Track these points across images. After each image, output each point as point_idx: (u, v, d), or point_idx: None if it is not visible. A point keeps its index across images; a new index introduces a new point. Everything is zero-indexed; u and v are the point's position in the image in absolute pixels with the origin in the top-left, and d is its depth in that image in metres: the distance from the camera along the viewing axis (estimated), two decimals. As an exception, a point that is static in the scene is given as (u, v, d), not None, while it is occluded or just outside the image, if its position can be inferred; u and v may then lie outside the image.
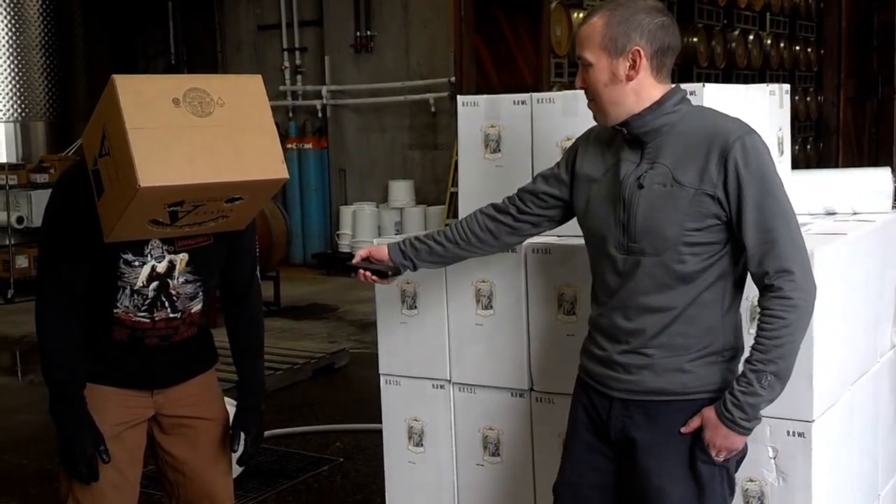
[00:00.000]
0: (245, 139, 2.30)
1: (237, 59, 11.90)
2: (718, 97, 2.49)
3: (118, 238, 2.37)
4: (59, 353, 2.48)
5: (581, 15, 8.91)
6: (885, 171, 3.08)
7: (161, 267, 2.49)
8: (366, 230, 10.63)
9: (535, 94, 2.66)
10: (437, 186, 10.47)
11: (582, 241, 2.30)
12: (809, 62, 13.09)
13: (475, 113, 2.74)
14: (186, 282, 2.53)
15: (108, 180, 2.30)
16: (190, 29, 12.19)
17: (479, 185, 2.76)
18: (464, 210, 2.77)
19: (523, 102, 2.68)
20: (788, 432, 2.32)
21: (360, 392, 5.87)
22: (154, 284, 2.49)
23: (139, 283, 2.48)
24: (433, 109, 10.49)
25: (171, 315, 2.53)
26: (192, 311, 2.57)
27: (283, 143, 11.29)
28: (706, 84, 2.46)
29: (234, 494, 2.78)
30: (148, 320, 2.52)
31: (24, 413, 5.88)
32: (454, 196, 9.78)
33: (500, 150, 2.71)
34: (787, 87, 2.83)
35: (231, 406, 2.75)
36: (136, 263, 2.47)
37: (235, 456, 2.69)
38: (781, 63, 12.43)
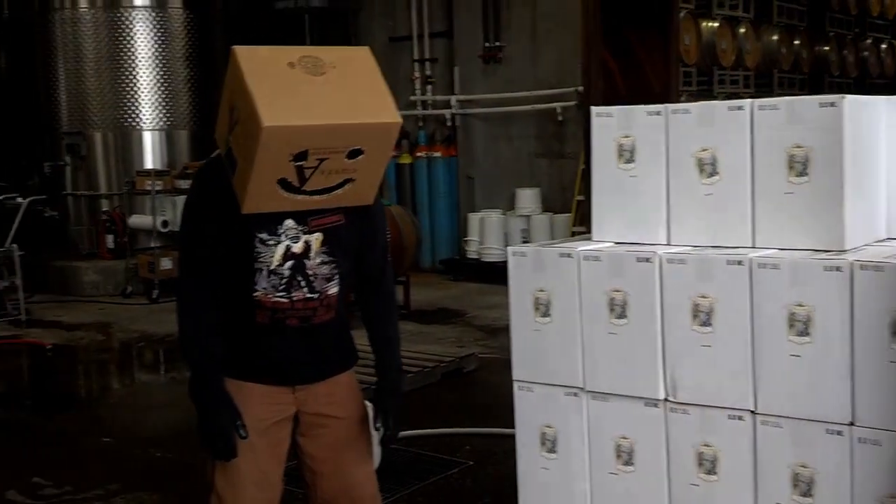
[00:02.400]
0: (358, 92, 2.46)
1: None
2: (858, 109, 2.48)
3: (253, 209, 2.47)
4: (198, 335, 2.61)
5: (710, 24, 8.80)
6: None
7: (297, 247, 2.58)
8: (493, 237, 10.72)
9: (670, 105, 2.67)
10: (564, 195, 10.49)
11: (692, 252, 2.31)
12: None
13: (608, 124, 2.77)
14: (322, 262, 2.61)
15: (238, 148, 2.44)
16: (325, 42, 12.51)
17: (612, 195, 2.78)
18: (597, 219, 2.80)
19: (658, 113, 2.69)
20: None
21: (489, 396, 5.94)
22: (289, 264, 2.58)
23: (275, 263, 2.57)
24: (560, 118, 10.51)
25: (309, 296, 2.61)
26: (329, 293, 2.64)
27: (412, 151, 11.56)
28: (847, 96, 2.44)
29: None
30: (286, 300, 2.60)
31: (168, 409, 6.15)
32: (580, 204, 9.78)
33: (633, 161, 2.73)
34: (930, 97, 2.78)
35: (369, 408, 2.83)
36: (271, 242, 2.56)
37: (376, 439, 2.78)
38: (917, 72, 12.00)
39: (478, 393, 6.28)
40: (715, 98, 8.41)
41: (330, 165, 2.44)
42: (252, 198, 2.45)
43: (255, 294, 2.59)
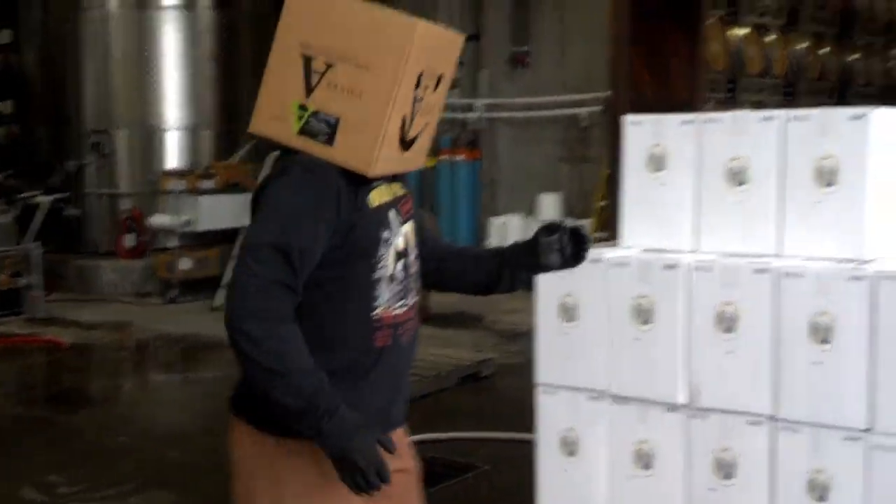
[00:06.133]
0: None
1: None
2: (886, 121, 2.51)
3: (380, 171, 2.01)
4: (306, 363, 1.93)
5: (738, 31, 8.82)
6: None
7: (401, 242, 2.12)
8: (513, 241, 10.71)
9: (702, 115, 2.71)
10: (586, 200, 10.51)
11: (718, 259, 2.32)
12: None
13: (641, 132, 2.81)
14: (415, 258, 2.18)
15: (339, 102, 1.98)
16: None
17: (641, 202, 2.82)
18: (626, 225, 2.84)
19: (690, 122, 2.73)
20: None
21: (506, 401, 5.96)
22: (401, 265, 2.11)
23: (391, 267, 2.08)
24: (584, 123, 10.54)
25: (413, 300, 2.16)
26: (417, 296, 2.20)
27: (436, 154, 11.58)
28: (875, 108, 2.47)
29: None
30: (403, 311, 2.12)
31: (184, 410, 6.21)
32: (603, 210, 9.80)
33: (664, 169, 2.77)
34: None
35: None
36: (391, 241, 2.08)
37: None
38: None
39: (494, 398, 6.29)
40: (741, 105, 8.42)
41: (427, 101, 2.06)
42: (382, 153, 1.97)
43: (375, 311, 2.07)
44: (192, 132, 11.25)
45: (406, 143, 2.06)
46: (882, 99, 10.60)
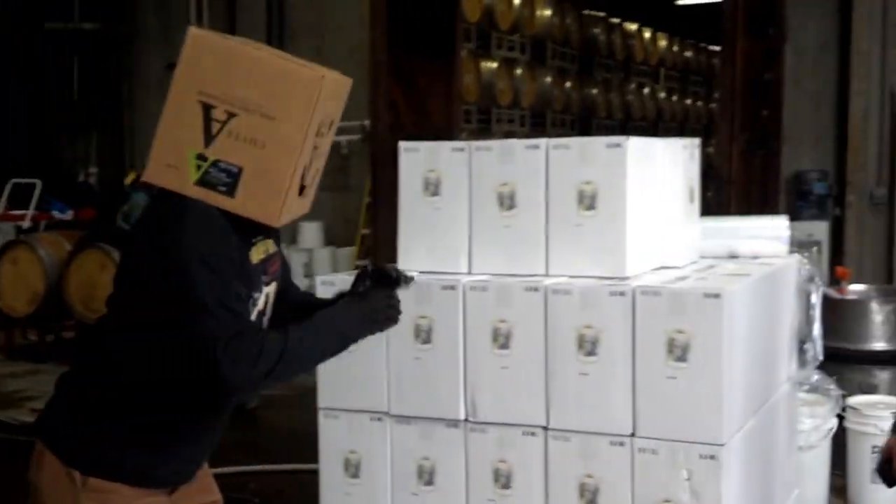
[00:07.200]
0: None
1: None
2: (639, 149, 2.74)
3: (285, 219, 2.03)
4: (303, 334, 2.02)
5: (489, 64, 9.21)
6: (783, 220, 3.38)
7: (262, 302, 2.13)
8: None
9: (474, 143, 2.85)
10: (347, 227, 10.61)
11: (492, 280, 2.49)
12: (699, 115, 13.72)
13: (416, 158, 2.91)
14: (269, 318, 2.18)
15: (241, 152, 1.95)
16: (98, 67, 12.11)
17: (418, 226, 2.92)
18: (403, 249, 2.93)
19: (462, 150, 2.86)
20: (700, 455, 2.52)
21: (272, 434, 5.93)
22: (258, 324, 2.12)
23: None
24: (345, 151, 10.65)
25: None
26: None
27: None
28: (630, 137, 2.69)
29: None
30: None
31: None
32: (364, 237, 9.93)
33: (438, 194, 2.89)
34: (697, 141, 3.10)
35: None
36: (257, 300, 2.09)
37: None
38: (673, 116, 13.02)
39: (259, 430, 6.22)
40: (494, 135, 8.79)
41: (321, 147, 2.08)
42: (288, 201, 1.97)
43: None
44: None
45: (302, 189, 2.06)
46: (622, 130, 11.37)
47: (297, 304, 2.36)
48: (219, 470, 5.03)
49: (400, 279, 2.31)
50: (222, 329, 1.89)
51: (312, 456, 3.06)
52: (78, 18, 11.71)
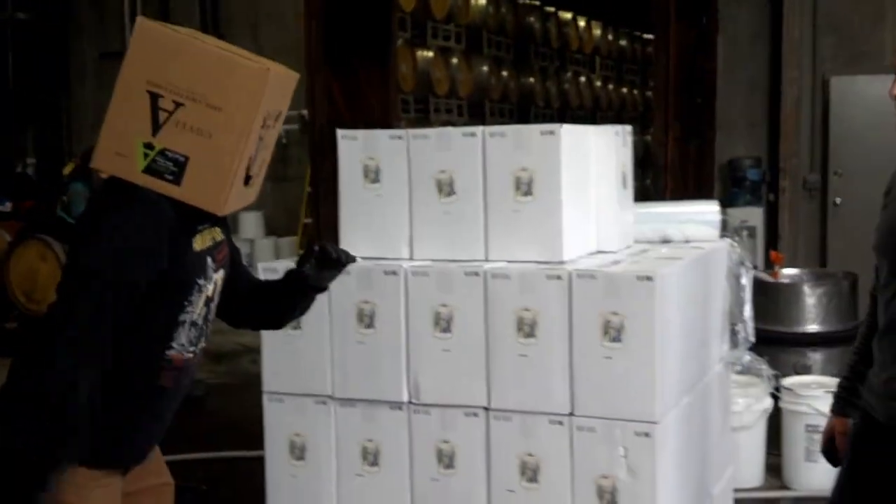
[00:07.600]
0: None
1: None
2: (572, 137, 2.81)
3: (230, 208, 2.06)
4: (80, 398, 1.94)
5: (425, 54, 9.23)
6: (714, 204, 3.48)
7: (211, 289, 2.15)
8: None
9: (412, 131, 2.91)
10: (288, 217, 10.60)
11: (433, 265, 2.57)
12: (636, 103, 13.88)
13: (354, 146, 2.96)
14: (216, 305, 2.21)
15: (187, 142, 1.99)
16: (32, 55, 11.93)
17: (359, 213, 2.97)
18: (345, 235, 2.98)
19: (399, 137, 2.92)
20: (636, 433, 2.61)
21: (218, 421, 5.94)
22: (205, 311, 2.15)
23: (197, 313, 2.12)
24: (284, 141, 10.63)
25: (203, 346, 2.20)
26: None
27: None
28: (563, 125, 2.76)
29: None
30: (192, 354, 2.15)
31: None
32: (306, 227, 9.93)
33: (379, 181, 2.94)
34: (629, 128, 3.19)
35: None
36: (204, 287, 2.11)
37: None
38: (610, 104, 13.15)
39: (204, 419, 6.22)
40: (433, 124, 8.83)
41: (267, 138, 2.12)
42: (233, 190, 2.01)
43: (168, 353, 2.09)
44: None
45: (247, 180, 2.10)
46: (560, 119, 11.46)
47: (250, 290, 2.42)
48: (165, 458, 5.12)
49: (341, 258, 2.36)
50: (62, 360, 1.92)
51: (258, 443, 3.10)
52: (12, 8, 11.51)
